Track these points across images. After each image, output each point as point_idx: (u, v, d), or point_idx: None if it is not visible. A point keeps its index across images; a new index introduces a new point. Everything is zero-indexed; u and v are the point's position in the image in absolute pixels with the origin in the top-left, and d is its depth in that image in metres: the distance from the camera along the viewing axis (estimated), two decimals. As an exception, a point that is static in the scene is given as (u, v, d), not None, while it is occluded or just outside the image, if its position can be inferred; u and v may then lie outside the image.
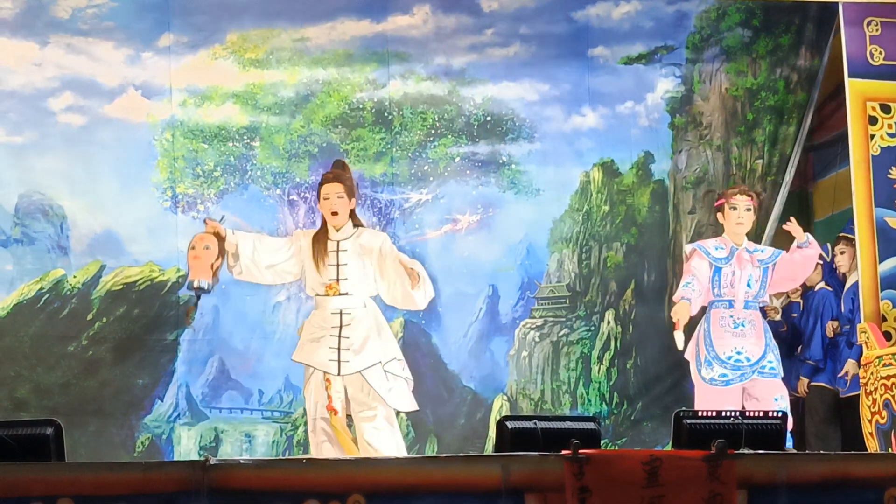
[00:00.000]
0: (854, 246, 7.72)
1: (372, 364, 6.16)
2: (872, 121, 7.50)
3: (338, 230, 6.32)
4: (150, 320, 7.86)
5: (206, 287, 6.24)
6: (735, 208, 6.96)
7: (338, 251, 6.27)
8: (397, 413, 6.43)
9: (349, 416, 6.26)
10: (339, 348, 6.16)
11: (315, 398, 6.21)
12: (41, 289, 7.80)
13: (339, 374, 6.14)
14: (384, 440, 6.10)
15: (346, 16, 8.18)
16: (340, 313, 6.21)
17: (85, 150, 7.89)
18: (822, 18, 8.30)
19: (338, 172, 6.45)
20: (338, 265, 6.24)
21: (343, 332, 6.18)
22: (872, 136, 7.49)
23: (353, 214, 6.49)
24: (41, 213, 7.85)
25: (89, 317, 7.82)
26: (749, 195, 7.01)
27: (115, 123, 7.93)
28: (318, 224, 6.55)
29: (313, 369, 6.25)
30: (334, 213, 6.31)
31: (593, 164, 8.45)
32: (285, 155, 8.15)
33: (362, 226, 6.50)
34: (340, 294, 6.24)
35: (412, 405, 6.36)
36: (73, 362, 7.73)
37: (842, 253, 8.04)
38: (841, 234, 8.06)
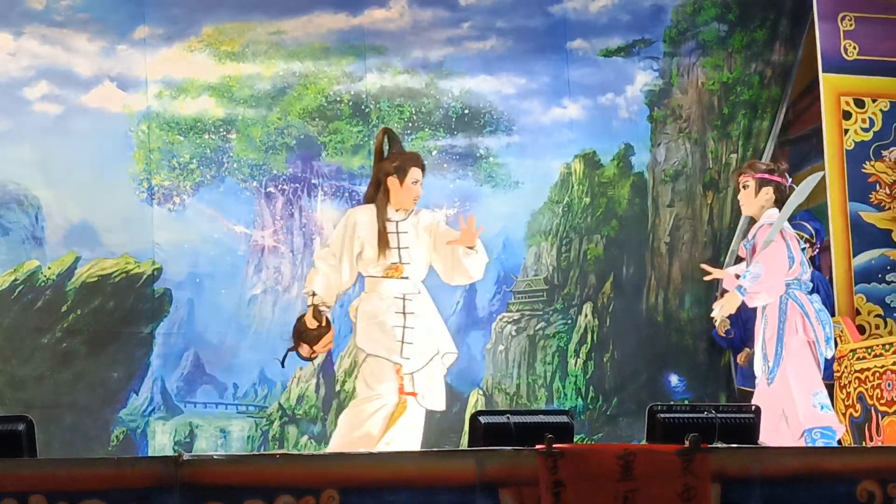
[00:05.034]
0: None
1: (431, 357, 6.02)
2: (846, 115, 7.54)
3: (398, 211, 6.09)
4: (125, 313, 7.83)
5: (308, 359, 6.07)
6: None
7: (398, 233, 6.05)
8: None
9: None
10: (402, 341, 5.95)
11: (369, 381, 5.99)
12: (15, 280, 7.76)
13: (407, 372, 5.99)
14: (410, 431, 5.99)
15: (323, 9, 8.18)
16: (404, 298, 6.01)
17: (60, 140, 7.85)
18: (797, 14, 8.36)
19: (418, 155, 6.22)
20: (399, 248, 6.03)
21: (407, 320, 5.99)
22: (846, 131, 7.53)
23: None
24: (16, 204, 7.80)
25: (64, 309, 7.78)
26: (746, 172, 6.44)
27: (91, 113, 7.90)
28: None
29: (365, 354, 6.02)
30: (415, 199, 6.07)
31: (575, 155, 8.46)
32: (262, 147, 8.13)
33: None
34: (402, 278, 6.03)
35: (442, 405, 6.15)
36: (48, 355, 7.69)
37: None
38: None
